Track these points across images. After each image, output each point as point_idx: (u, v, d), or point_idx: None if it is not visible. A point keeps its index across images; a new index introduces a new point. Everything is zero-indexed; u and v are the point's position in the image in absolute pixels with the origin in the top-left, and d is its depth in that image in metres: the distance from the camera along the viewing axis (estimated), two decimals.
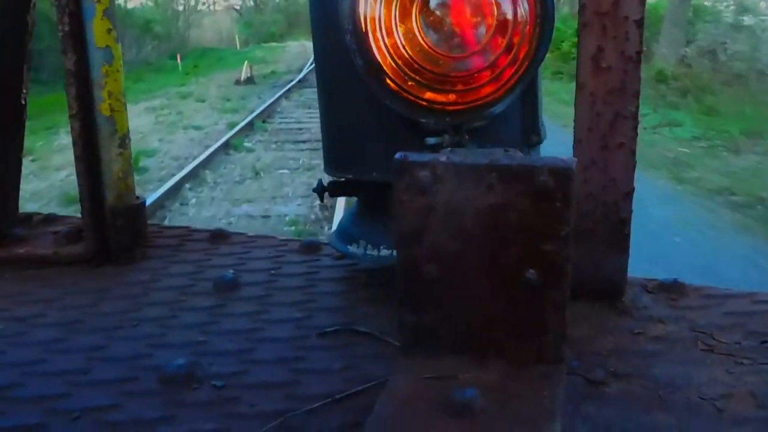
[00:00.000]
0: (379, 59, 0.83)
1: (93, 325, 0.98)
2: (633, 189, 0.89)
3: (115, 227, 1.19)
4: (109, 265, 1.19)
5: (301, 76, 21.72)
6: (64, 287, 1.11)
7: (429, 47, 0.80)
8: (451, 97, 0.84)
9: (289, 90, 17.94)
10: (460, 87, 0.83)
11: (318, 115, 1.06)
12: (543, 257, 0.68)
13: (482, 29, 0.80)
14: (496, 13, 0.79)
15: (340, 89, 0.96)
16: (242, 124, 11.73)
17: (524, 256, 0.68)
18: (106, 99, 1.13)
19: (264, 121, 12.74)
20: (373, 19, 0.82)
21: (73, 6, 1.08)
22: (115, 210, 1.18)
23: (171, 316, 1.00)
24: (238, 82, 19.70)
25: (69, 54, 1.09)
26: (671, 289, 0.99)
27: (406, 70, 0.82)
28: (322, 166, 1.09)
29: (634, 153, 0.87)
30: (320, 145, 1.08)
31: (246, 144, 10.45)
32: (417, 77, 0.82)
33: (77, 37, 1.09)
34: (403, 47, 0.81)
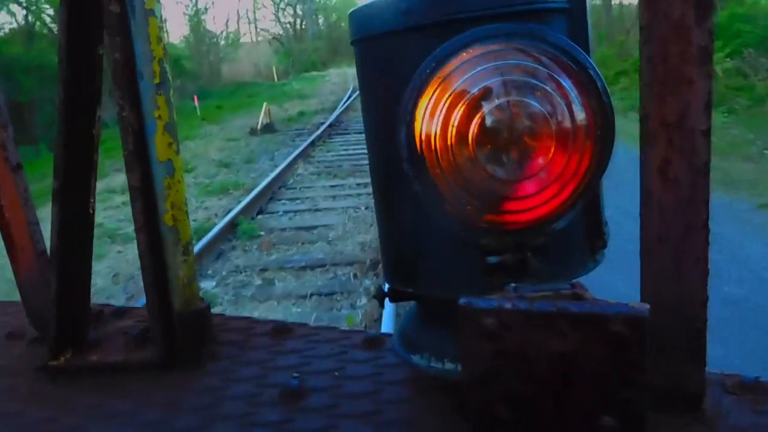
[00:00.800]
0: (437, 185, 0.82)
1: None
2: (707, 298, 0.84)
3: (183, 332, 1.21)
4: (179, 370, 1.21)
5: (333, 118, 18.47)
6: (135, 399, 1.13)
7: (487, 172, 0.78)
8: (512, 217, 0.83)
9: (313, 143, 13.76)
10: (520, 208, 0.81)
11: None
12: (619, 404, 0.65)
13: (542, 151, 0.78)
14: (554, 133, 0.78)
15: (397, 203, 0.96)
16: (217, 228, 7.27)
17: (599, 402, 0.65)
18: (169, 210, 1.17)
19: (260, 213, 8.42)
20: (429, 146, 0.81)
21: (136, 125, 1.12)
22: (182, 315, 1.21)
23: None
24: (253, 131, 16.45)
25: (134, 171, 1.13)
26: (754, 389, 0.94)
27: (465, 195, 0.81)
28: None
29: (707, 262, 0.83)
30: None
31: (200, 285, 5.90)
32: (476, 202, 0.81)
33: (141, 154, 1.13)
34: (461, 172, 0.80)
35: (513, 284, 0.72)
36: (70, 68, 1.14)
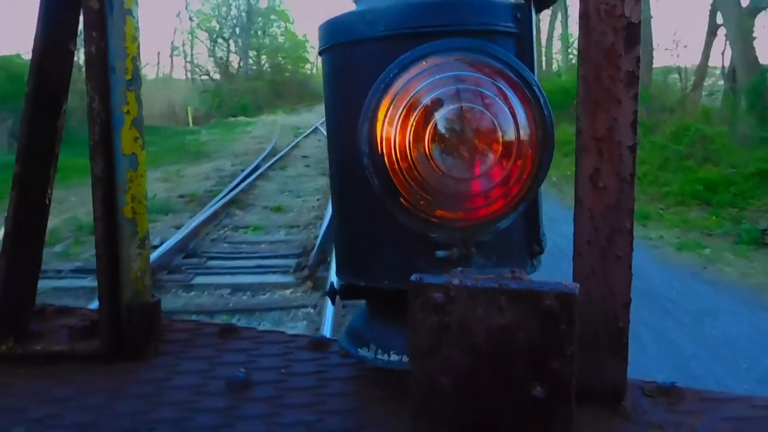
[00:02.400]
0: (394, 180, 0.90)
1: (109, 428, 1.00)
2: (630, 300, 0.94)
3: (130, 324, 1.23)
4: (123, 361, 1.22)
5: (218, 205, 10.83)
6: (79, 384, 1.14)
7: (440, 170, 0.87)
8: (460, 214, 0.91)
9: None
10: (468, 206, 0.90)
11: None
12: (549, 374, 0.72)
13: (489, 154, 0.87)
14: (501, 139, 0.87)
15: (354, 199, 1.03)
16: None
17: (532, 373, 0.73)
18: (129, 202, 1.20)
19: None
20: (389, 143, 0.89)
21: (104, 116, 1.16)
22: (131, 307, 1.23)
23: (186, 418, 1.03)
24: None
25: (97, 160, 1.16)
26: (669, 393, 1.03)
27: (419, 190, 0.89)
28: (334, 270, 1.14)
29: (630, 266, 0.92)
30: None
31: None
32: (429, 197, 0.89)
33: (106, 145, 1.16)
34: (416, 170, 0.88)
35: (460, 269, 0.79)
36: (42, 59, 1.18)
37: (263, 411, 1.04)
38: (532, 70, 0.96)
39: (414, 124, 0.87)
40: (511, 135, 0.87)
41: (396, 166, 0.89)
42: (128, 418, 1.03)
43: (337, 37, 1.01)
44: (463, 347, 0.74)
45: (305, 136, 28.06)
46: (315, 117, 35.48)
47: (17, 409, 1.06)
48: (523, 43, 0.97)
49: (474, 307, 0.73)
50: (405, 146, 0.88)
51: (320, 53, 1.07)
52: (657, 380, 1.08)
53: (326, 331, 4.24)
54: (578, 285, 0.71)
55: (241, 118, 35.88)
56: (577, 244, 0.94)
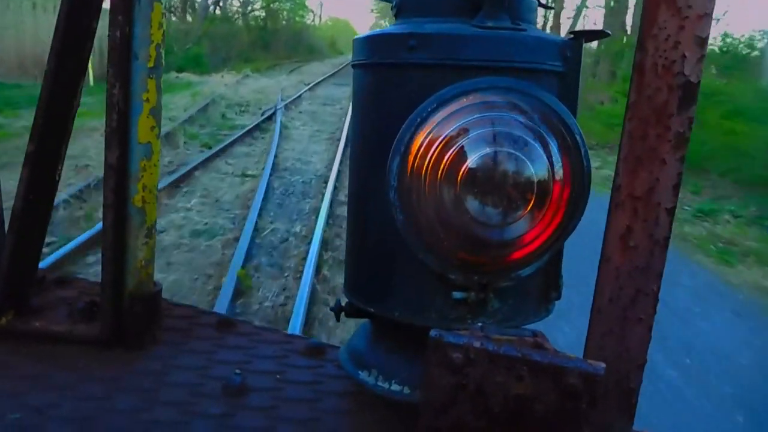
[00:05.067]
0: (420, 219, 0.87)
1: (106, 425, 0.99)
2: (645, 361, 0.92)
3: (132, 312, 1.21)
4: (122, 349, 1.21)
5: None
6: (78, 371, 1.13)
7: (468, 213, 0.83)
8: (483, 259, 0.88)
9: None
10: (493, 252, 0.87)
11: None
12: None
13: (521, 203, 0.83)
14: (535, 188, 0.83)
15: (373, 226, 0.99)
16: None
17: None
18: (140, 192, 1.17)
19: None
20: (418, 179, 0.86)
21: (122, 104, 1.12)
22: (134, 296, 1.21)
23: (181, 422, 1.01)
24: None
25: (112, 149, 1.13)
26: None
27: (444, 231, 0.86)
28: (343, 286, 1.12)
29: (650, 329, 0.90)
30: None
31: None
32: (453, 239, 0.86)
33: (122, 134, 1.13)
34: (444, 210, 0.84)
35: (480, 323, 0.77)
36: (66, 37, 1.13)
37: (259, 423, 1.03)
38: (574, 110, 0.92)
39: (447, 163, 0.83)
40: (546, 185, 0.84)
41: (423, 204, 0.86)
42: (125, 415, 1.02)
43: (374, 56, 0.96)
44: (477, 410, 0.72)
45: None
46: (291, 84, 24.42)
47: (16, 393, 1.05)
48: (569, 82, 0.93)
49: (493, 372, 0.70)
50: (435, 185, 0.84)
51: (353, 66, 1.02)
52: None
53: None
54: (603, 365, 0.68)
55: (185, 76, 22.33)
56: (598, 301, 0.91)
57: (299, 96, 20.55)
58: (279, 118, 14.97)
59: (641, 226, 0.87)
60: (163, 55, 1.14)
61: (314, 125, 15.13)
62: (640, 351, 0.91)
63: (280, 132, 13.14)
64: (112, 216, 1.16)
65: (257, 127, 13.87)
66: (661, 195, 0.85)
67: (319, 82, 26.40)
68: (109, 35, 1.08)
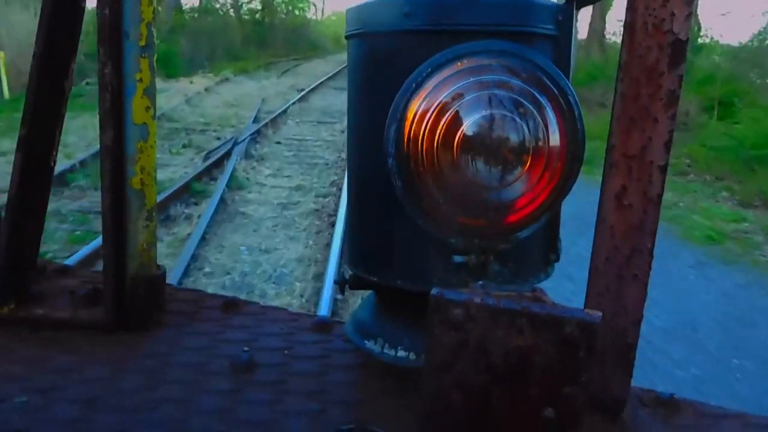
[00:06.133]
0: (418, 184, 0.88)
1: (113, 405, 1.00)
2: (642, 317, 0.93)
3: (135, 296, 1.22)
4: (125, 332, 1.21)
5: None
6: (82, 355, 1.13)
7: (466, 177, 0.84)
8: (482, 222, 0.89)
9: None
10: (492, 214, 0.88)
11: None
12: (562, 398, 0.72)
13: (517, 164, 0.84)
14: (531, 150, 0.84)
15: (373, 195, 1.00)
16: None
17: (545, 395, 0.72)
18: (138, 173, 1.17)
19: None
20: (415, 145, 0.87)
21: (115, 84, 1.12)
22: (136, 279, 1.21)
23: (189, 399, 1.02)
24: None
25: (107, 130, 1.13)
26: (667, 404, 1.04)
27: (443, 196, 0.87)
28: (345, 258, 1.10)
29: (646, 285, 0.92)
30: None
31: None
32: (452, 204, 0.87)
33: (117, 114, 1.13)
34: (442, 174, 0.85)
35: (480, 282, 0.78)
36: (53, 17, 1.13)
37: (267, 397, 1.04)
38: (567, 74, 0.93)
39: (443, 128, 0.84)
40: (541, 146, 0.85)
41: (421, 169, 0.87)
42: (132, 394, 1.03)
43: (368, 25, 0.97)
44: (478, 365, 0.73)
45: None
46: (280, 91, 19.29)
47: (20, 377, 1.06)
48: (562, 46, 0.94)
49: (494, 327, 0.72)
50: (432, 150, 0.85)
51: (347, 38, 1.03)
52: (655, 390, 1.08)
53: None
54: (600, 314, 0.70)
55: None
56: (595, 260, 0.93)
57: (285, 110, 14.84)
58: (235, 160, 9.11)
59: (635, 185, 0.88)
60: (154, 33, 1.14)
61: (295, 174, 9.24)
62: (637, 307, 0.93)
63: (222, 202, 7.41)
64: (110, 199, 1.16)
65: (186, 190, 7.74)
66: (654, 153, 0.87)
67: (316, 87, 20.64)
68: (97, 13, 1.08)
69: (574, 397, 0.72)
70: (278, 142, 11.59)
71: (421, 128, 0.86)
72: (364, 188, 1.03)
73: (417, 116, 0.86)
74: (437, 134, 0.85)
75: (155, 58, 1.15)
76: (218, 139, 11.35)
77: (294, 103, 16.27)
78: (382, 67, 0.96)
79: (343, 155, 9.80)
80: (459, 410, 0.75)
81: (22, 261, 1.27)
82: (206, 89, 17.89)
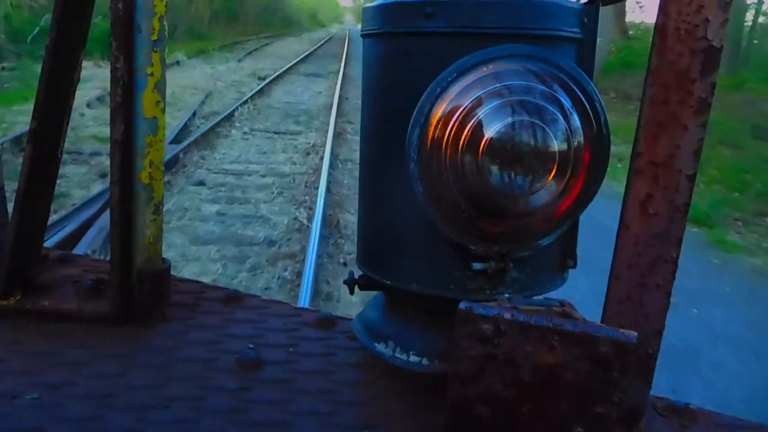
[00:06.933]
0: (440, 190, 0.86)
1: (125, 402, 0.99)
2: (663, 327, 0.92)
3: (141, 289, 1.20)
4: (131, 325, 1.20)
5: None
6: (90, 348, 1.12)
7: (489, 184, 0.83)
8: (504, 229, 0.88)
9: None
10: (514, 222, 0.86)
11: None
12: (593, 418, 0.71)
13: (542, 171, 0.83)
14: (556, 157, 0.83)
15: (389, 197, 0.98)
16: None
17: (574, 413, 0.72)
18: (147, 168, 1.15)
19: None
20: (438, 150, 0.85)
21: (126, 78, 1.09)
22: (142, 273, 1.20)
23: (199, 397, 1.01)
24: None
25: (117, 124, 1.10)
26: (682, 413, 1.03)
27: (465, 202, 0.85)
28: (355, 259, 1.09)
29: (668, 295, 0.91)
30: None
31: None
32: (474, 210, 0.85)
33: (127, 108, 1.10)
34: (464, 181, 0.84)
35: (507, 294, 0.77)
36: (65, 9, 1.10)
37: (276, 396, 1.03)
38: (591, 75, 0.91)
39: (468, 133, 0.82)
40: (566, 153, 0.83)
41: (444, 175, 0.85)
42: (142, 391, 1.02)
43: (388, 25, 0.94)
44: (506, 379, 0.72)
45: None
46: (236, 80, 16.09)
47: (29, 371, 1.05)
48: (586, 48, 0.92)
49: (523, 343, 0.71)
50: (456, 156, 0.83)
51: (363, 36, 1.00)
52: (669, 397, 1.08)
53: None
54: (635, 334, 0.69)
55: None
56: (616, 267, 0.91)
57: (231, 114, 11.00)
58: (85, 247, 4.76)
59: (661, 193, 0.87)
60: (166, 27, 1.11)
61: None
62: (659, 317, 0.92)
63: None
64: (118, 192, 1.14)
65: None
66: (682, 161, 0.85)
67: (283, 72, 17.87)
68: (110, 7, 1.05)
69: (605, 417, 0.71)
70: (199, 183, 7.22)
71: (444, 133, 0.84)
72: (380, 191, 1.01)
73: (441, 121, 0.84)
74: (462, 139, 0.83)
75: (166, 52, 1.12)
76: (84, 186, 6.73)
77: (249, 99, 12.51)
78: (401, 69, 0.93)
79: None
80: (485, 422, 0.75)
81: (28, 252, 1.25)
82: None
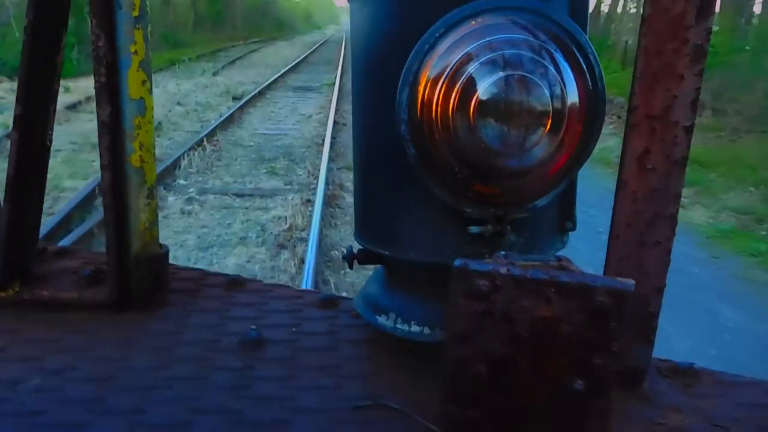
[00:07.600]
0: (432, 151, 0.84)
1: (127, 383, 0.98)
2: (664, 285, 0.91)
3: (139, 275, 1.19)
4: (131, 311, 1.19)
5: None
6: (90, 334, 1.11)
7: (482, 143, 0.81)
8: (499, 190, 0.86)
9: None
10: (509, 182, 0.84)
11: None
12: (591, 369, 0.69)
13: (536, 128, 0.81)
14: (550, 113, 0.81)
15: (383, 164, 0.96)
16: None
17: (573, 366, 0.70)
18: (137, 150, 1.13)
19: None
20: (429, 110, 0.83)
21: (110, 57, 1.07)
22: (139, 258, 1.18)
23: (202, 377, 1.00)
24: None
25: (103, 105, 1.09)
26: (686, 374, 1.02)
27: (458, 163, 0.83)
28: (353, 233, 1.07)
29: (669, 252, 0.89)
30: None
31: None
32: (468, 170, 0.83)
33: (112, 89, 1.08)
34: (457, 141, 0.82)
35: (503, 252, 0.75)
36: None
37: (280, 372, 1.02)
38: (584, 27, 0.89)
39: (458, 91, 0.80)
40: (560, 108, 0.81)
41: (436, 135, 0.83)
42: (144, 373, 1.01)
43: None
44: (503, 336, 0.71)
45: None
46: (200, 104, 11.98)
47: (31, 358, 1.04)
48: (577, 4, 0.89)
49: (519, 297, 0.69)
50: (447, 115, 0.81)
51: (349, 0, 0.98)
52: (673, 360, 1.06)
53: None
54: (633, 282, 0.67)
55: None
56: (615, 226, 0.89)
57: (174, 165, 7.50)
58: None
59: (659, 146, 0.85)
60: (147, 3, 1.09)
61: None
62: (659, 274, 0.90)
63: None
64: (110, 176, 1.13)
65: None
66: (679, 113, 0.83)
67: (266, 88, 14.34)
68: None
69: (604, 368, 0.70)
70: None
71: (435, 92, 0.82)
72: (373, 159, 0.99)
73: (430, 80, 0.82)
74: (452, 98, 0.81)
75: (149, 29, 1.10)
76: None
77: (209, 133, 9.00)
78: (388, 28, 0.91)
79: None
80: (484, 380, 0.73)
81: (24, 242, 1.24)
82: (78, 104, 10.56)
